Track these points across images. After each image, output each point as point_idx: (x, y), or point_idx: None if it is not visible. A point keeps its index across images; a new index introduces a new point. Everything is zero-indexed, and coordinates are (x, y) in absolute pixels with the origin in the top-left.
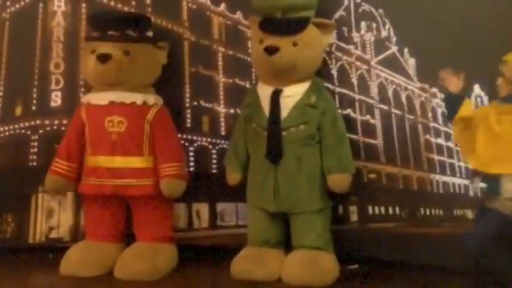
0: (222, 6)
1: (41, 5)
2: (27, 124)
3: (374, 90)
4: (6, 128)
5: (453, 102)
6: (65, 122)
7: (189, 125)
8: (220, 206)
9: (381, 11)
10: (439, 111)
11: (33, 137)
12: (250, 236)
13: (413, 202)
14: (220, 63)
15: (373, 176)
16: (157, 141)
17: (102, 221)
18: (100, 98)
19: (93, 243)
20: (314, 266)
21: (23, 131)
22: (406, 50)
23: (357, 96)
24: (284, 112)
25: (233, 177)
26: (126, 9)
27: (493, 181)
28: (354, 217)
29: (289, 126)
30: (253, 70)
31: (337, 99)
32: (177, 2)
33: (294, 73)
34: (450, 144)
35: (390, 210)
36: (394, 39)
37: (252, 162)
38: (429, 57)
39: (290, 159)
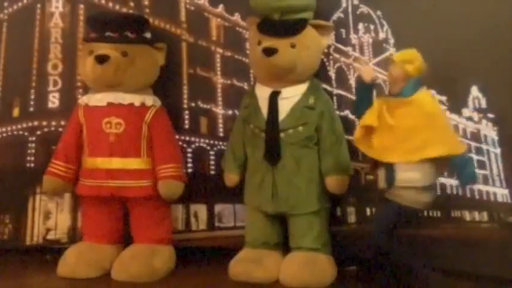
0: (220, 8)
1: (38, 6)
2: (24, 125)
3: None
4: (4, 129)
5: (364, 91)
6: (62, 123)
7: (187, 126)
8: (218, 208)
9: (378, 13)
10: None
11: (30, 138)
12: (248, 237)
13: None
14: (218, 64)
15: (371, 177)
16: (155, 143)
17: (99, 222)
18: (98, 99)
19: (90, 245)
20: (312, 267)
21: (20, 132)
22: None
23: (354, 98)
24: (282, 114)
25: (231, 178)
26: (124, 10)
27: (390, 171)
28: (352, 218)
29: (288, 128)
30: (251, 71)
31: (335, 100)
32: (175, 4)
33: (292, 74)
34: None
35: None
36: (391, 41)
37: (250, 163)
38: (427, 59)
39: (288, 161)
